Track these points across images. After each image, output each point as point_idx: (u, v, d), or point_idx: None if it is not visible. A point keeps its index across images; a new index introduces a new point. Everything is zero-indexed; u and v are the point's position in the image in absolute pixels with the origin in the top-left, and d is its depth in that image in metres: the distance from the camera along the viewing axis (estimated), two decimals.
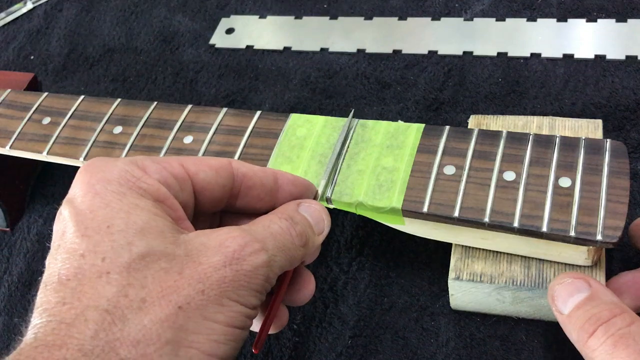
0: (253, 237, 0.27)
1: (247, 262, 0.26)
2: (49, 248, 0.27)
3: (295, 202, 0.32)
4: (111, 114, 0.44)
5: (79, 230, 0.26)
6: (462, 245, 0.38)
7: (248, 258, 0.26)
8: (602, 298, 0.29)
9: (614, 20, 0.54)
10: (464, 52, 0.55)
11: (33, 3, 0.72)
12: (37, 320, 0.24)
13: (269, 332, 0.32)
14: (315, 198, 0.34)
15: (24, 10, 0.72)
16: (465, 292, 0.37)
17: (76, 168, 0.45)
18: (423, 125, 0.39)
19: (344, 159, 0.38)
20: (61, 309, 0.24)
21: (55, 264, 0.26)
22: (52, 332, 0.23)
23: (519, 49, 0.54)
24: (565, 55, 0.53)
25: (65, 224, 0.27)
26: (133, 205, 0.26)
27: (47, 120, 0.45)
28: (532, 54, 0.53)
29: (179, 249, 0.26)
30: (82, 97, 0.46)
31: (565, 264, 0.35)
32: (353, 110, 0.41)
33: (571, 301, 0.30)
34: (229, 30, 0.63)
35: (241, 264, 0.26)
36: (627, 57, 0.51)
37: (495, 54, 0.54)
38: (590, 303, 0.29)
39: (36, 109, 0.46)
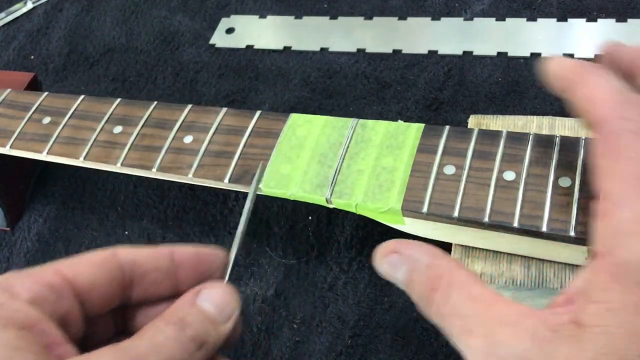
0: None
1: None
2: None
3: (193, 292, 0.29)
4: (111, 113, 0.44)
5: None
6: (462, 245, 0.37)
7: None
8: (419, 268, 0.28)
9: (614, 20, 0.54)
10: (464, 52, 0.55)
11: (33, 3, 0.72)
12: None
13: None
14: (227, 262, 0.30)
15: (24, 10, 0.72)
16: None
17: (76, 168, 0.45)
18: (423, 125, 0.39)
19: (343, 159, 0.38)
20: None
21: None
22: None
23: (519, 49, 0.54)
24: (565, 55, 0.53)
25: None
26: None
27: (47, 120, 0.45)
28: (532, 54, 0.53)
29: None
30: (82, 96, 0.46)
31: (565, 263, 0.35)
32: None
33: (399, 277, 0.29)
34: (229, 30, 0.63)
35: None
36: None
37: (495, 54, 0.54)
38: (413, 278, 0.28)
39: (36, 108, 0.46)
